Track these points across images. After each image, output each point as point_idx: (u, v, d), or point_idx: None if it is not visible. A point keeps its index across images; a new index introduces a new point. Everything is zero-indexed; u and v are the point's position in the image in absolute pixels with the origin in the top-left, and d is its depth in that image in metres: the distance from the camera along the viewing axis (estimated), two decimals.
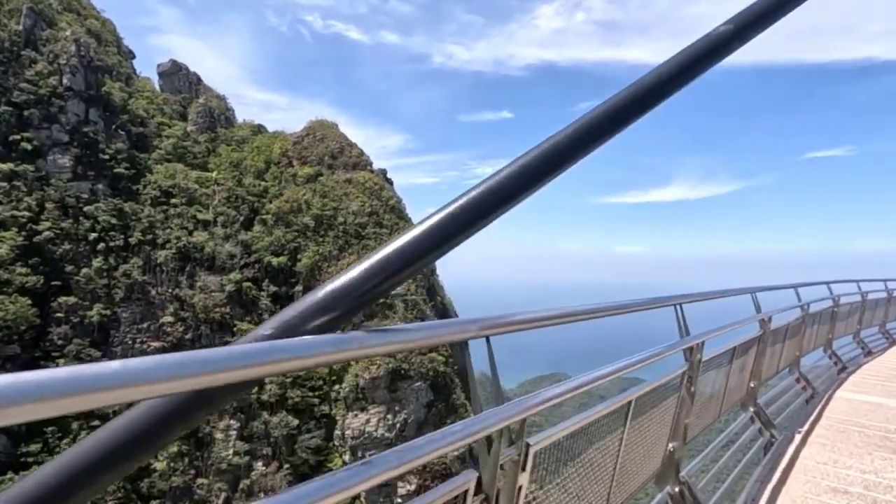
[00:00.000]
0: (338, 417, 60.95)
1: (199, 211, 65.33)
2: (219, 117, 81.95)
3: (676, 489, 3.52)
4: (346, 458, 59.55)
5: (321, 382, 62.70)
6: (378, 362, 60.72)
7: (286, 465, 56.74)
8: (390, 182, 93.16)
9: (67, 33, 61.52)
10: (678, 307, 3.45)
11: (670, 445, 3.53)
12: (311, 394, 61.47)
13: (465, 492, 1.73)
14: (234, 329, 58.54)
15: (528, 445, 1.96)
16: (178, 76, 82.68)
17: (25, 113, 55.69)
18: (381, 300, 46.91)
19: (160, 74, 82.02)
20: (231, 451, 53.83)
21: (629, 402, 2.76)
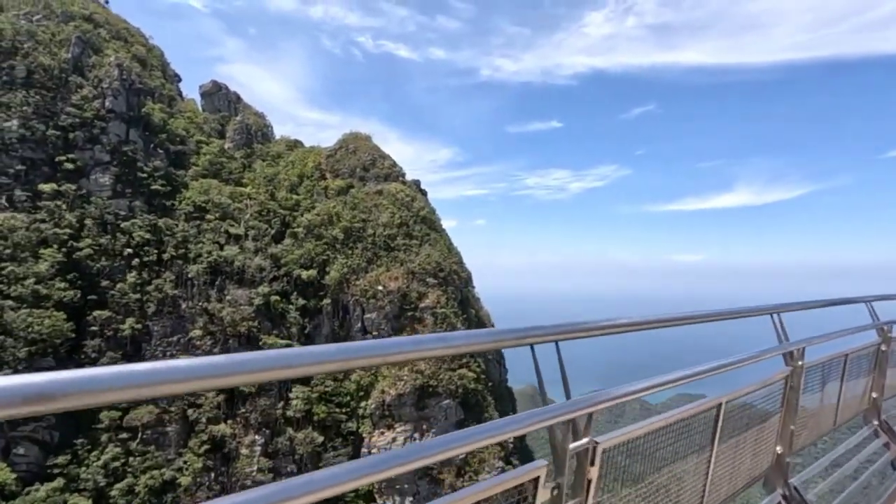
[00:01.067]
0: (364, 435, 59.18)
1: (232, 225, 66.30)
2: (256, 134, 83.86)
3: (786, 493, 3.37)
4: None
5: (348, 398, 61.30)
6: (405, 378, 58.64)
7: None
8: (424, 193, 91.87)
9: (112, 59, 64.67)
10: (776, 315, 3.43)
11: (777, 449, 3.42)
12: (337, 410, 60.15)
13: (537, 479, 1.84)
14: (261, 343, 58.32)
15: (595, 442, 2.01)
16: (218, 96, 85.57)
17: (71, 135, 58.61)
18: (411, 313, 44.59)
19: (202, 95, 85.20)
20: (255, 468, 53.12)
21: (719, 405, 2.69)
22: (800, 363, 3.54)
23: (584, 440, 1.99)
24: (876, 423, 5.02)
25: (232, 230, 65.86)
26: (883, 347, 5.05)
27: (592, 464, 2.00)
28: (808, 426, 3.93)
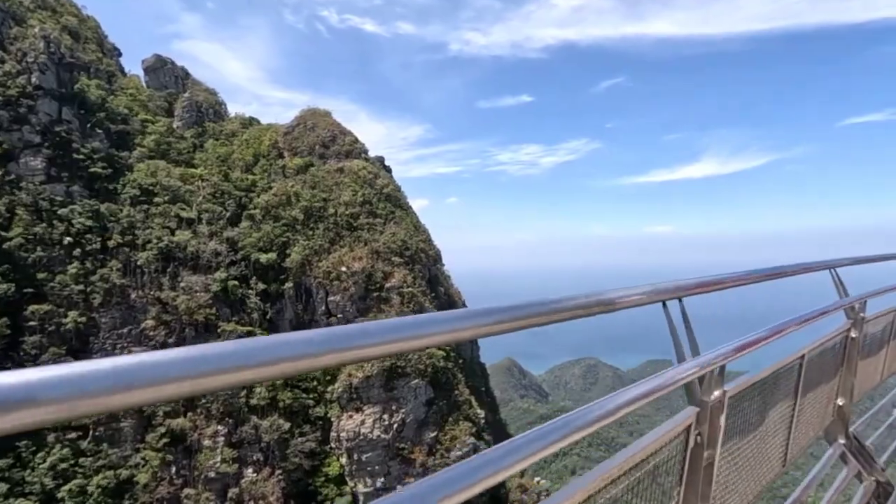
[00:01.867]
0: (333, 419, 57.96)
1: (183, 209, 62.71)
2: (207, 111, 79.17)
3: (846, 442, 3.50)
4: (343, 460, 56.61)
5: (315, 383, 59.76)
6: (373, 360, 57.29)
7: (279, 471, 54.07)
8: (388, 170, 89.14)
9: (36, 30, 59.16)
10: (833, 271, 3.46)
11: (839, 400, 3.51)
12: (304, 395, 58.61)
13: (689, 426, 1.95)
14: (219, 331, 55.89)
15: (725, 392, 2.10)
16: (163, 71, 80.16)
17: None
18: (376, 293, 42.64)
19: (145, 70, 79.58)
20: (219, 458, 51.36)
21: (802, 356, 2.81)
22: (861, 315, 3.59)
23: (717, 392, 2.07)
24: None
25: (183, 214, 62.30)
26: None
27: (722, 411, 2.09)
28: (866, 377, 4.04)
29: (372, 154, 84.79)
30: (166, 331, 54.93)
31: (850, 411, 3.62)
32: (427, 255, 74.19)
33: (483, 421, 63.19)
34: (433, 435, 57.38)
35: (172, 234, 59.92)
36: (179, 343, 54.53)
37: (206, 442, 52.07)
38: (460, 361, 68.54)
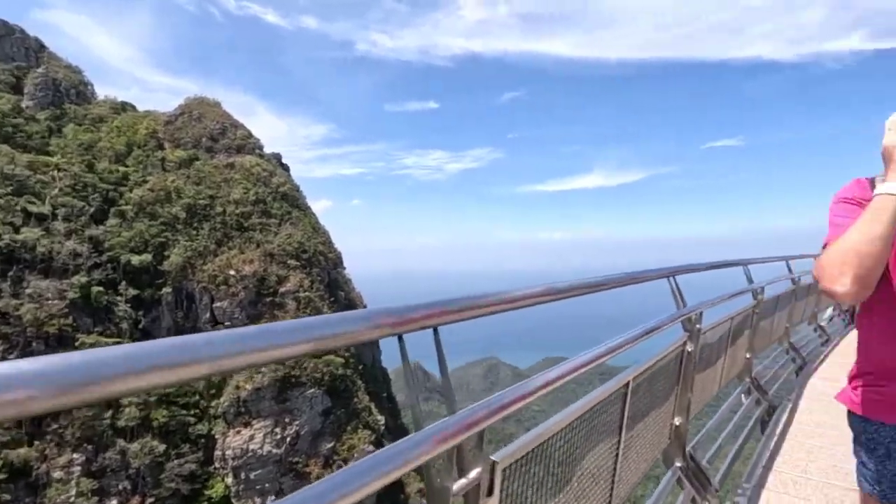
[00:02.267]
0: (217, 436, 53.05)
1: (32, 202, 53.71)
2: (67, 91, 68.84)
3: (684, 464, 3.29)
4: (229, 481, 51.98)
5: (197, 398, 54.31)
6: (264, 370, 53.49)
7: (150, 499, 48.19)
8: (286, 168, 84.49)
9: None
10: (672, 279, 3.20)
11: (676, 420, 3.24)
12: (183, 412, 52.95)
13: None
14: (77, 343, 48.53)
15: (493, 463, 1.49)
16: (10, 41, 68.28)
17: None
18: (269, 298, 39.22)
19: None
20: (74, 492, 44.42)
21: (627, 384, 2.34)
22: (697, 327, 3.38)
23: (475, 469, 1.43)
24: (748, 380, 5.47)
25: (33, 208, 53.35)
26: (756, 309, 5.44)
27: (490, 493, 1.49)
28: (703, 391, 3.89)
29: (269, 150, 79.85)
30: (6, 346, 46.44)
31: (687, 430, 3.42)
32: (326, 257, 71.21)
33: (383, 427, 62.06)
34: (330, 446, 54.99)
35: (17, 231, 50.99)
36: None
37: (57, 474, 44.74)
38: (360, 367, 66.63)
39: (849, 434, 1.97)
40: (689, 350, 3.28)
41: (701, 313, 3.46)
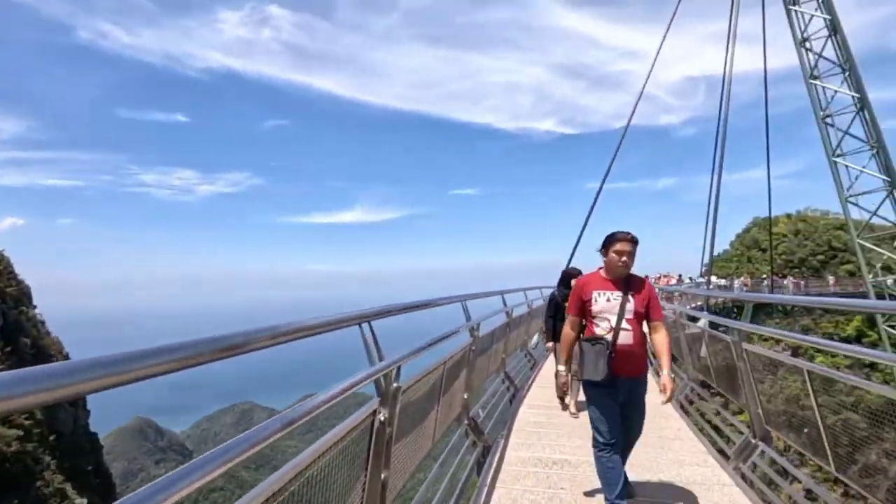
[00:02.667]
0: None
1: None
2: None
3: (468, 422, 5.28)
4: None
5: None
6: None
7: None
8: None
9: None
10: (464, 303, 4.83)
11: (465, 394, 5.28)
12: None
13: (375, 411, 2.58)
14: None
15: (399, 387, 2.81)
16: None
17: None
18: None
19: None
20: None
21: (444, 362, 4.02)
22: (477, 334, 5.22)
23: (395, 385, 2.76)
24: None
25: None
26: (473, 346, 5.70)
27: (397, 400, 2.80)
28: (480, 374, 6.06)
29: None
30: None
31: (472, 400, 5.41)
32: (5, 293, 51.26)
33: None
34: None
35: None
36: None
37: None
38: (52, 438, 45.81)
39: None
40: (473, 348, 4.53)
41: (479, 324, 5.22)
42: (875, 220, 21.83)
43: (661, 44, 21.47)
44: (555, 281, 7.21)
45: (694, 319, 7.52)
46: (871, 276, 21.70)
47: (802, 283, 41.39)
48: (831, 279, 42.82)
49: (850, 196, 21.93)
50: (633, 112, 20.84)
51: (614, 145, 20.17)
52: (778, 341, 24.41)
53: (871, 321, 41.90)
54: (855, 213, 21.95)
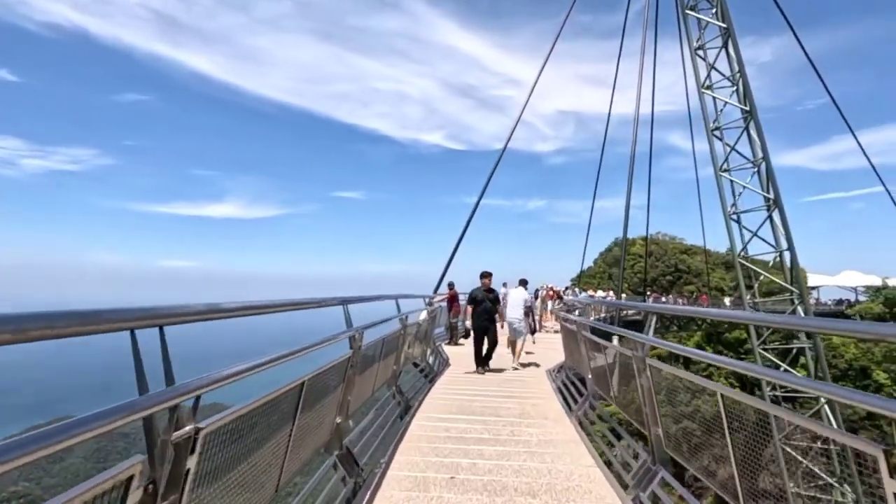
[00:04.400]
0: None
1: None
2: None
3: (340, 453, 4.15)
4: None
5: None
6: None
7: None
8: None
9: None
10: (345, 306, 4.27)
11: (337, 419, 4.17)
12: None
13: (130, 478, 1.56)
14: None
15: (198, 429, 1.84)
16: None
17: None
18: None
19: None
20: None
21: (302, 384, 3.04)
22: (359, 344, 4.44)
23: (188, 427, 1.78)
24: (395, 387, 7.15)
25: None
26: (402, 332, 7.25)
27: (193, 452, 1.81)
28: (359, 395, 4.97)
29: None
30: None
31: (346, 427, 4.38)
32: None
33: None
34: None
35: None
36: None
37: None
38: None
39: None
40: (353, 362, 4.37)
41: (363, 332, 4.60)
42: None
43: (538, 76, 22.10)
44: (429, 290, 12.72)
45: (606, 336, 7.25)
46: (748, 295, 21.19)
47: (662, 298, 44.26)
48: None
49: (733, 214, 21.28)
50: (510, 136, 21.40)
51: (493, 164, 20.82)
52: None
53: (708, 337, 45.34)
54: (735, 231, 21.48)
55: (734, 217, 21.29)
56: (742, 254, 21.46)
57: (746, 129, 21.01)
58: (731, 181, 21.23)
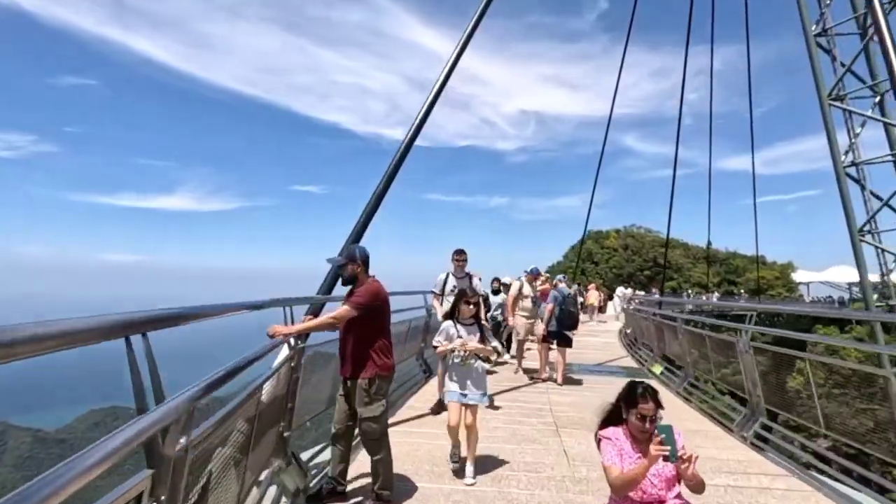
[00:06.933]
0: None
1: None
2: None
3: (287, 460, 3.88)
4: None
5: None
6: None
7: None
8: None
9: None
10: (287, 308, 3.75)
11: (280, 426, 3.84)
12: None
13: (141, 494, 1.56)
14: None
15: (192, 440, 1.85)
16: None
17: None
18: None
19: None
20: None
21: (259, 390, 2.99)
22: (301, 346, 4.05)
23: (183, 441, 1.78)
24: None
25: None
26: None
27: (187, 462, 1.85)
28: (304, 407, 4.44)
29: None
30: None
31: (292, 434, 4.05)
32: None
33: None
34: None
35: None
36: None
37: None
38: None
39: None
40: (296, 372, 4.01)
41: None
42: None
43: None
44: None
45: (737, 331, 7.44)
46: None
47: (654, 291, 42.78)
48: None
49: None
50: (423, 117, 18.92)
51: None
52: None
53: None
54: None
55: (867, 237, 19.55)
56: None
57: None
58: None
